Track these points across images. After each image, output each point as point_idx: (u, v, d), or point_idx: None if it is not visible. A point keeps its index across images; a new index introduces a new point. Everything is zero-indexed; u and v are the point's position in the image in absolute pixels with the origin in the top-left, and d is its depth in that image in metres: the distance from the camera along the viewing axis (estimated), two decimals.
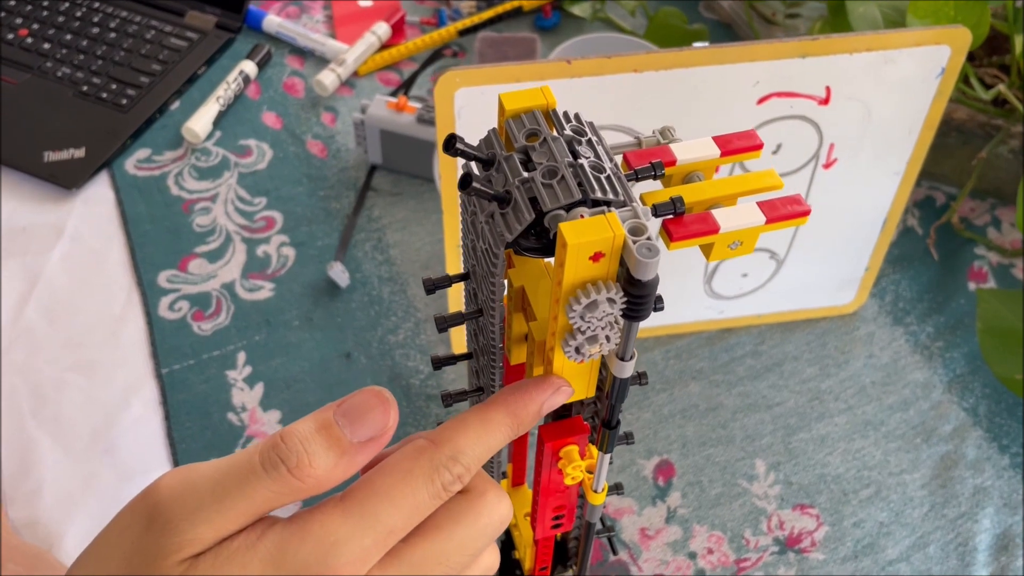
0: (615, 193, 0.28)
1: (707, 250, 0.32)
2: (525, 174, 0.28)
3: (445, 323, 0.33)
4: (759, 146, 0.34)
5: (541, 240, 0.31)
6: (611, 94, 0.54)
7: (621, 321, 0.29)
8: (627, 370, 0.31)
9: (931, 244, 0.77)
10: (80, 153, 0.81)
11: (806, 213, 0.32)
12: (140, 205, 0.79)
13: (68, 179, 0.79)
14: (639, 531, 0.62)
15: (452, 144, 0.28)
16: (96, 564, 0.27)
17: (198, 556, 0.25)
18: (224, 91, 0.86)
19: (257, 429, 0.66)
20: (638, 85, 0.53)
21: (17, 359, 0.69)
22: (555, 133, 0.30)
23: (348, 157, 0.84)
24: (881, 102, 0.58)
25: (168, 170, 0.82)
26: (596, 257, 0.27)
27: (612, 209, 0.27)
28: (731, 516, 0.63)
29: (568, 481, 0.37)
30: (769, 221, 0.31)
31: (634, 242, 0.27)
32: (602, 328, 0.29)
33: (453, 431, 0.28)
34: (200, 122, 0.83)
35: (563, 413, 0.37)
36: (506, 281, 0.35)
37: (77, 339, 0.71)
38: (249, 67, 0.88)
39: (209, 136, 0.84)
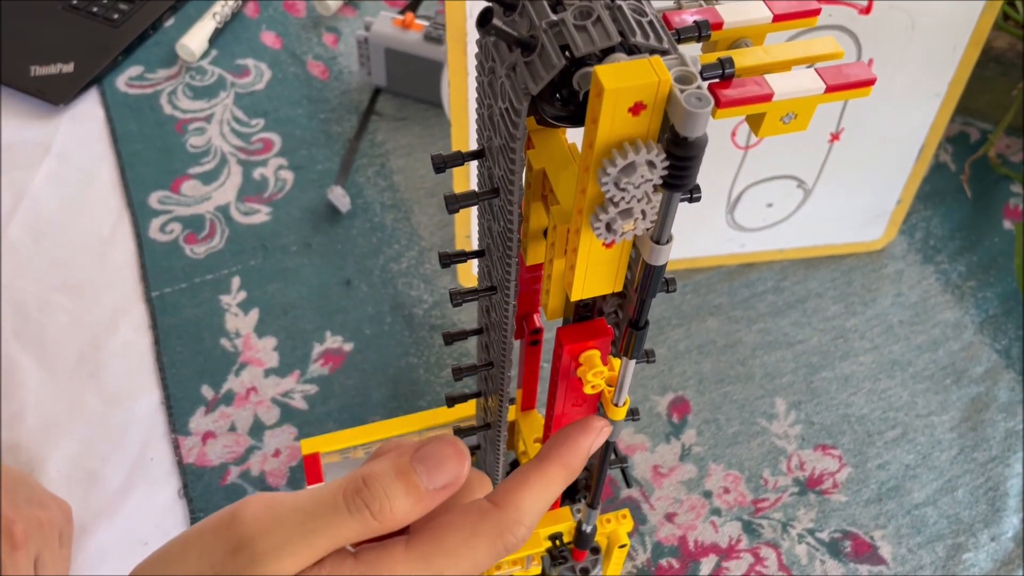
0: (658, 39, 0.24)
1: (756, 123, 0.28)
2: (553, 16, 0.24)
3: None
4: (815, 12, 0.30)
5: (568, 106, 0.27)
6: None
7: (657, 198, 0.25)
8: (662, 256, 0.27)
9: (965, 180, 0.73)
10: (68, 68, 0.77)
11: (871, 82, 0.28)
12: (131, 124, 0.75)
13: (56, 94, 0.75)
14: (652, 468, 0.59)
15: None
16: None
17: None
18: (221, 8, 0.81)
19: (251, 356, 0.63)
20: None
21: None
22: None
23: (351, 80, 0.79)
24: (927, 12, 0.54)
25: (161, 88, 0.78)
26: (636, 109, 0.23)
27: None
28: (749, 455, 0.60)
29: (588, 389, 0.33)
30: (829, 90, 0.27)
31: (681, 91, 0.23)
32: (638, 200, 0.25)
33: (516, 492, 0.29)
34: (195, 39, 0.79)
35: (584, 314, 0.33)
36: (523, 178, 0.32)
37: (63, 259, 0.67)
38: None
39: (205, 55, 0.80)
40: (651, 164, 0.24)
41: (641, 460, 0.59)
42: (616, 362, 0.35)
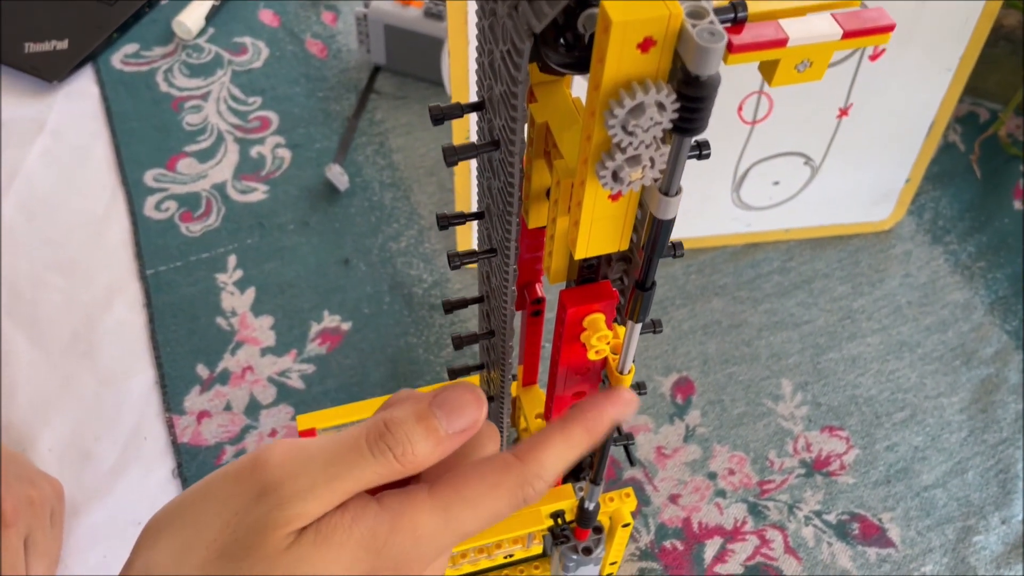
0: None
1: (770, 71, 0.26)
2: None
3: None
4: None
5: (573, 52, 0.26)
6: None
7: (665, 149, 0.24)
8: (671, 208, 0.26)
9: (974, 161, 0.72)
10: (63, 45, 0.76)
11: (890, 28, 0.26)
12: (126, 101, 0.74)
13: (50, 71, 0.74)
14: (655, 450, 0.58)
15: None
16: (192, 527, 0.27)
17: (302, 530, 0.26)
18: None
19: (248, 335, 0.62)
20: None
21: None
22: None
23: (350, 58, 0.78)
24: None
25: (157, 66, 0.77)
26: (645, 45, 0.22)
27: None
28: (755, 436, 0.58)
29: (592, 355, 0.32)
30: (846, 36, 0.26)
31: (693, 26, 0.22)
32: (646, 146, 0.24)
33: (539, 449, 0.29)
34: (192, 17, 0.78)
35: (588, 277, 0.32)
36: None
37: (57, 238, 0.66)
38: None
39: (201, 32, 0.79)
40: (661, 106, 0.23)
41: (644, 441, 0.58)
42: (620, 330, 0.34)
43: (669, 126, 0.23)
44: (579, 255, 0.28)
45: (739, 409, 0.60)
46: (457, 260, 0.32)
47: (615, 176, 0.24)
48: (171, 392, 0.59)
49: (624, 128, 0.23)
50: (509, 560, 0.47)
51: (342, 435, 0.28)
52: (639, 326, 0.31)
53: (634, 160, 0.24)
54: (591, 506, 0.43)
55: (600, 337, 0.31)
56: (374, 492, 0.28)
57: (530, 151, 0.31)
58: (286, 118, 0.74)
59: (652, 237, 0.27)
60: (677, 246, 0.33)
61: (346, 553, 0.26)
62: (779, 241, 0.68)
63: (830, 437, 0.59)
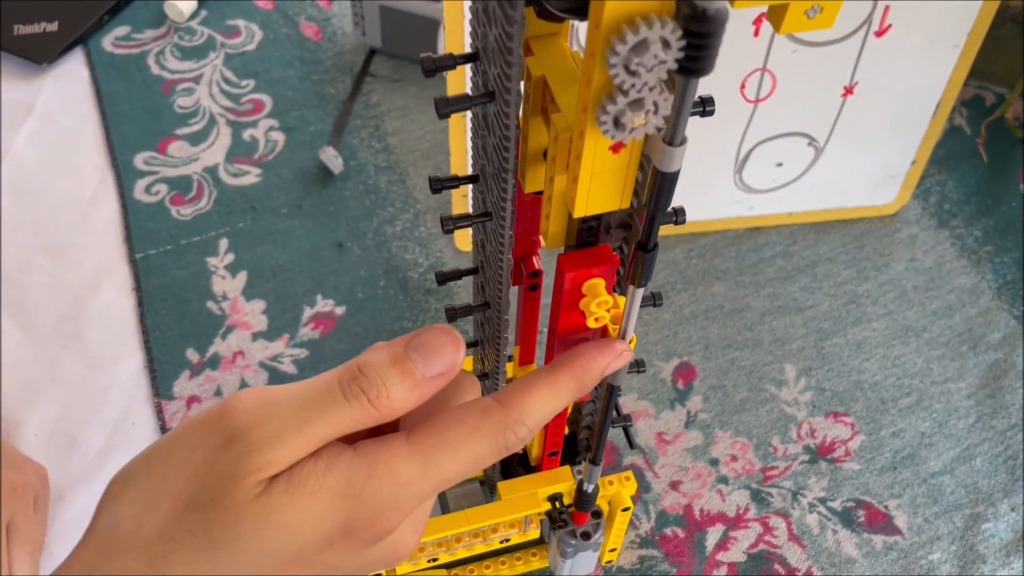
0: None
1: (778, 17, 0.25)
2: None
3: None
4: None
5: None
6: None
7: (669, 93, 0.23)
8: (675, 160, 0.24)
9: (980, 144, 0.70)
10: (52, 27, 0.74)
11: None
12: (117, 84, 0.73)
13: (39, 53, 0.73)
14: (656, 435, 0.56)
15: None
16: (158, 478, 0.26)
17: (273, 479, 0.25)
18: None
19: (239, 319, 0.60)
20: None
21: None
22: None
23: (345, 41, 0.77)
24: None
25: (148, 48, 0.75)
26: None
27: None
28: (757, 422, 0.57)
29: (591, 323, 0.31)
30: None
31: None
32: (650, 88, 0.22)
33: (522, 394, 0.28)
34: None
35: (588, 240, 0.31)
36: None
37: (45, 220, 0.64)
38: None
39: (194, 15, 0.78)
40: (665, 43, 0.21)
41: (645, 427, 0.57)
42: (621, 301, 0.33)
43: (674, 66, 0.22)
44: (578, 213, 0.27)
45: (741, 395, 0.58)
46: (451, 223, 0.31)
47: (616, 122, 0.23)
48: (160, 377, 0.57)
49: (627, 68, 0.22)
50: (506, 545, 0.45)
51: (314, 380, 0.27)
52: (641, 291, 0.29)
53: (637, 104, 0.23)
54: (590, 488, 0.41)
55: (600, 303, 0.30)
56: (350, 442, 0.27)
57: (526, 108, 0.29)
58: (280, 101, 0.72)
59: (655, 192, 0.26)
60: (679, 212, 0.32)
61: (320, 501, 0.25)
62: (782, 225, 0.66)
63: (835, 423, 0.57)
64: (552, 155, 0.28)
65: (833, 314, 0.62)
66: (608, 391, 0.34)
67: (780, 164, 0.62)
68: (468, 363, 0.49)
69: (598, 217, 0.30)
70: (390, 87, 0.74)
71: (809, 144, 0.61)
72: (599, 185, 0.26)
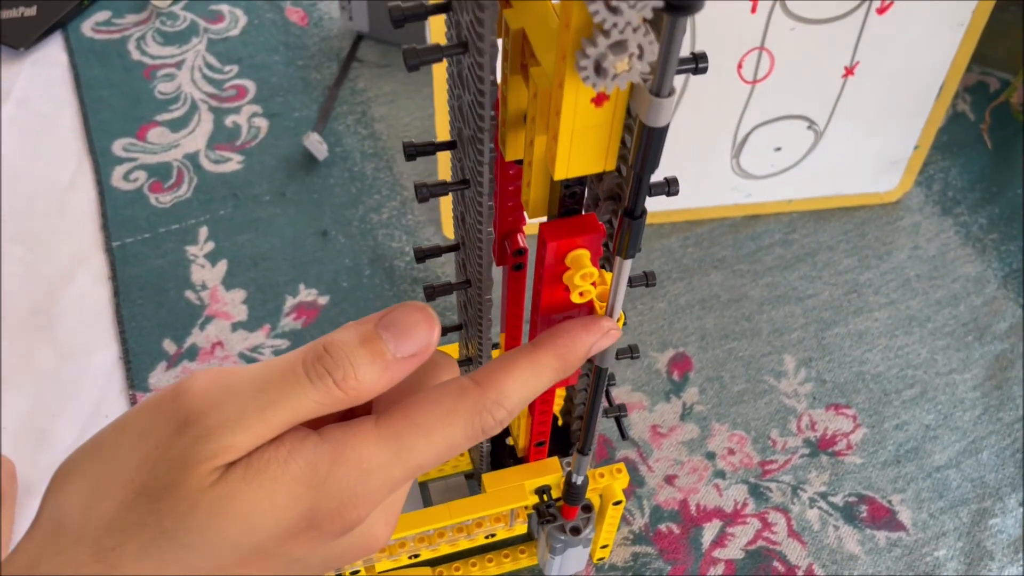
0: None
1: None
2: None
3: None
4: None
5: None
6: None
7: (655, 37, 0.21)
8: (663, 113, 0.22)
9: (985, 130, 0.68)
10: (31, 12, 0.72)
11: None
12: (96, 69, 0.71)
13: (17, 38, 0.71)
14: (650, 428, 0.54)
15: None
16: (107, 465, 0.24)
17: (230, 466, 0.23)
18: None
19: (218, 309, 0.58)
20: None
21: None
22: None
23: (331, 26, 0.75)
24: None
25: (129, 34, 0.73)
26: None
27: None
28: (756, 415, 0.55)
29: (576, 298, 0.28)
30: None
31: None
32: (633, 29, 0.20)
33: (501, 373, 0.26)
34: None
35: (572, 207, 0.29)
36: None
37: (19, 207, 0.62)
38: None
39: (177, 0, 0.76)
40: None
41: (639, 419, 0.55)
42: (608, 276, 0.31)
43: (660, 3, 0.20)
44: (559, 175, 0.25)
45: (739, 386, 0.56)
46: (426, 191, 0.29)
47: (598, 68, 0.21)
48: (135, 368, 0.55)
49: (607, 4, 0.20)
50: (492, 540, 0.43)
51: (276, 360, 0.25)
52: (628, 264, 0.27)
53: (619, 46, 0.21)
54: (579, 480, 0.39)
55: (584, 275, 0.28)
56: (317, 427, 0.25)
57: (505, 66, 0.27)
58: (264, 87, 0.70)
59: (642, 151, 0.24)
60: (671, 182, 0.30)
61: (281, 489, 0.23)
62: (781, 213, 0.64)
63: (836, 415, 0.55)
64: (531, 114, 0.26)
65: (834, 303, 0.60)
66: (596, 373, 0.32)
67: (779, 149, 0.60)
68: (455, 350, 0.47)
69: (582, 183, 0.28)
70: (377, 73, 0.72)
71: (809, 127, 0.59)
72: (581, 143, 0.24)
